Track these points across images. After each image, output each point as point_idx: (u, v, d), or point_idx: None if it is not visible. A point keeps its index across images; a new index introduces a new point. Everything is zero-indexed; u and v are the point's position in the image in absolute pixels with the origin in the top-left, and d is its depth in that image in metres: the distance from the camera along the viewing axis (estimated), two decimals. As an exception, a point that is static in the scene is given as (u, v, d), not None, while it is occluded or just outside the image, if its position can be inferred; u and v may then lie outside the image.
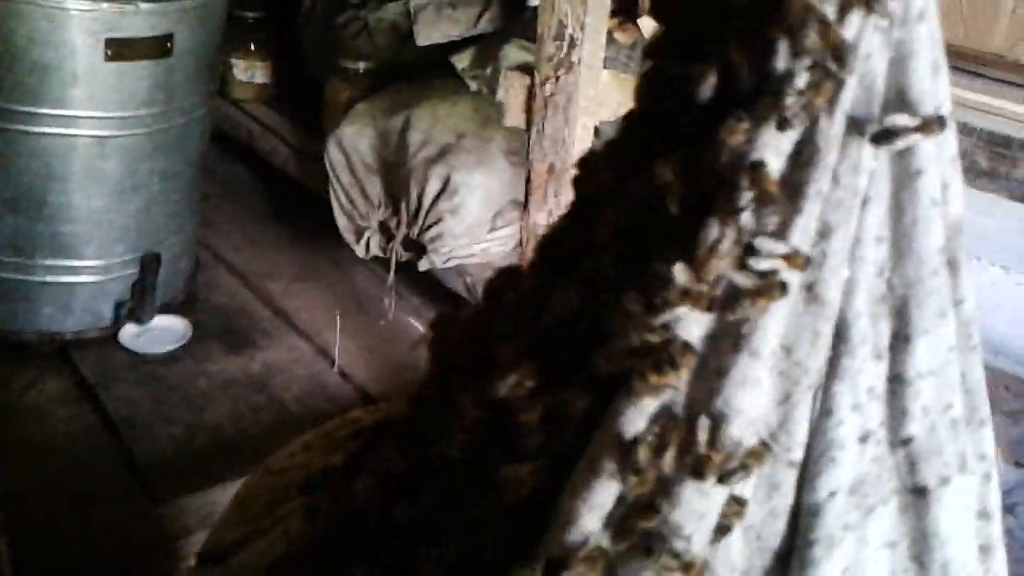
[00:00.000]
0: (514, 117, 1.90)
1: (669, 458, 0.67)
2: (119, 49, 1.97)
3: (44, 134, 1.99)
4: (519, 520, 0.71)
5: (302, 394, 2.18)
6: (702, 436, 0.67)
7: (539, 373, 0.72)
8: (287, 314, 2.47)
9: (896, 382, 0.72)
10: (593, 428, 0.70)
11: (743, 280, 0.66)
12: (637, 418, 0.68)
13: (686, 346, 0.67)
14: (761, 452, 0.69)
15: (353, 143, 2.37)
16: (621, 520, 0.68)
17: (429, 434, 0.78)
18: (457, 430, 0.75)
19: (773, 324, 0.68)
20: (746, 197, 0.66)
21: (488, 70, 2.21)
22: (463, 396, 0.75)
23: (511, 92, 1.87)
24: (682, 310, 0.67)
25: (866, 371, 0.70)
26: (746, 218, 0.66)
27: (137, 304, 2.24)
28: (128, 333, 2.25)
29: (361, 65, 2.61)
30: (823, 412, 0.70)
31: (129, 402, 2.07)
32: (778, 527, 0.71)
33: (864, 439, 0.71)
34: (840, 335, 0.70)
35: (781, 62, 0.66)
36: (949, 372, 0.73)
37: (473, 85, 2.30)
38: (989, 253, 2.20)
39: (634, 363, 0.67)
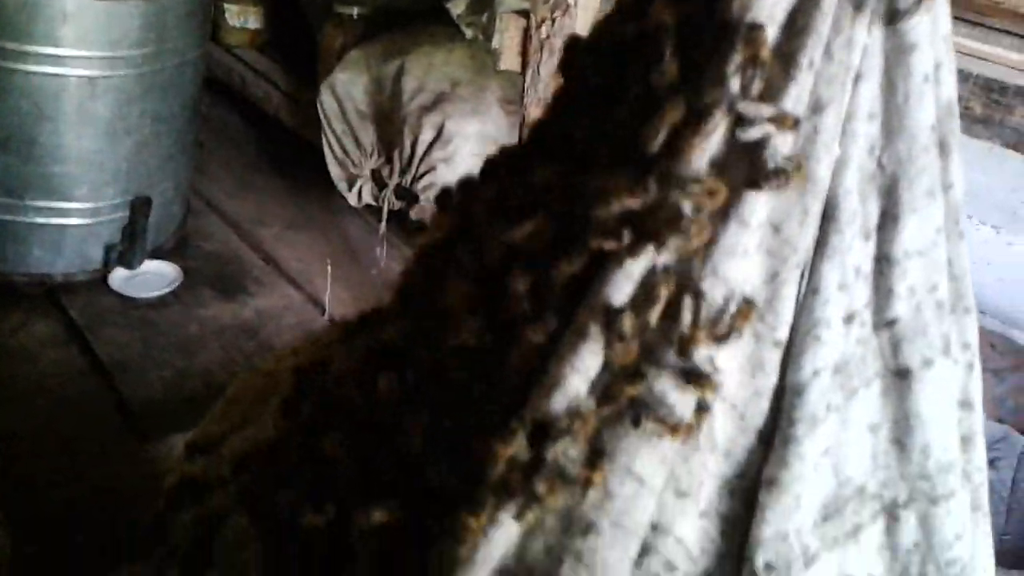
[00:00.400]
0: (509, 61, 1.89)
1: (654, 325, 0.67)
2: (109, -13, 1.93)
3: (34, 73, 1.97)
4: (504, 388, 0.71)
5: (293, 341, 2.17)
6: (687, 304, 0.67)
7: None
8: (278, 262, 2.46)
9: (883, 262, 0.72)
10: (581, 296, 0.69)
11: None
12: (624, 284, 0.68)
13: (676, 212, 0.67)
14: (747, 311, 0.68)
15: (346, 89, 2.35)
16: (606, 386, 0.68)
17: (416, 313, 0.78)
18: (445, 306, 0.75)
19: (763, 196, 0.68)
20: (737, 60, 0.65)
21: (484, 16, 2.19)
22: (455, 272, 0.75)
23: (506, 35, 1.85)
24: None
25: (854, 250, 0.70)
26: (735, 84, 0.66)
27: (127, 248, 2.23)
28: (118, 277, 2.24)
29: (355, 11, 2.58)
30: (810, 291, 0.70)
31: (119, 346, 2.07)
32: (762, 407, 0.71)
33: (849, 319, 0.71)
34: (829, 213, 0.70)
35: None
36: (936, 253, 0.73)
37: (468, 32, 2.27)
38: (980, 212, 2.21)
39: (623, 229, 0.67)
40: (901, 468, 0.75)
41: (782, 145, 0.66)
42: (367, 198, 2.38)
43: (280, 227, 2.63)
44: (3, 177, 2.05)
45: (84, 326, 2.11)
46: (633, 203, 0.66)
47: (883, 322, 0.73)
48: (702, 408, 0.69)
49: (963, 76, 1.41)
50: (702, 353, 0.68)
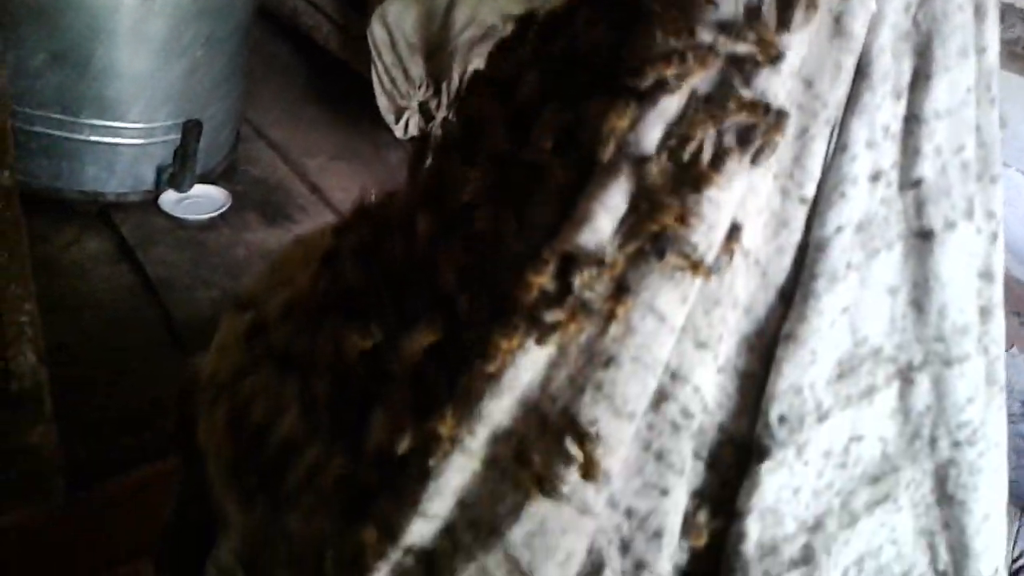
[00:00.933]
0: (564, -4, 1.86)
1: (689, 154, 0.68)
2: (167, -95, 1.94)
3: (91, -11, 1.99)
4: (534, 225, 0.72)
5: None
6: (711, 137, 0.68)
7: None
8: (323, 191, 2.48)
9: (912, 121, 0.72)
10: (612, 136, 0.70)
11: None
12: (657, 121, 0.68)
13: (710, 48, 0.67)
14: (781, 121, 0.68)
15: (397, 20, 2.34)
16: (633, 224, 0.69)
17: (448, 161, 0.79)
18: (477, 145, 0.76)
19: (796, 46, 0.68)
20: None
21: (540, -51, 2.16)
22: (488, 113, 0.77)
23: (562, -32, 1.82)
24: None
25: (884, 108, 0.71)
26: None
27: (178, 170, 2.26)
28: (169, 198, 2.28)
29: (410, -59, 2.55)
30: (839, 147, 0.71)
31: (168, 265, 2.11)
32: (784, 263, 0.72)
33: (875, 177, 0.72)
34: (862, 70, 0.70)
35: None
36: (965, 113, 0.73)
37: (523, -34, 2.25)
38: (1011, 157, 2.17)
39: (658, 69, 0.67)
40: (917, 330, 0.76)
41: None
42: (414, 130, 2.39)
43: (326, 157, 2.65)
44: (59, 94, 2.08)
45: (135, 245, 2.16)
46: (673, 42, 0.67)
47: (909, 182, 0.73)
48: (732, 238, 0.70)
49: (1022, 16, 1.38)
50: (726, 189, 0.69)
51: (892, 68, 0.71)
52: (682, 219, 0.68)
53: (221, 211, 2.30)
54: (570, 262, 0.68)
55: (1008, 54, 1.36)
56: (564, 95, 0.73)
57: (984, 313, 0.79)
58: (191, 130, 2.24)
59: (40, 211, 2.16)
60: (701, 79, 0.68)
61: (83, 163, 2.19)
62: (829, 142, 0.71)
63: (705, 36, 0.67)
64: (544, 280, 0.68)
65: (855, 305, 0.73)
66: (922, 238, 0.74)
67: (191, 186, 2.29)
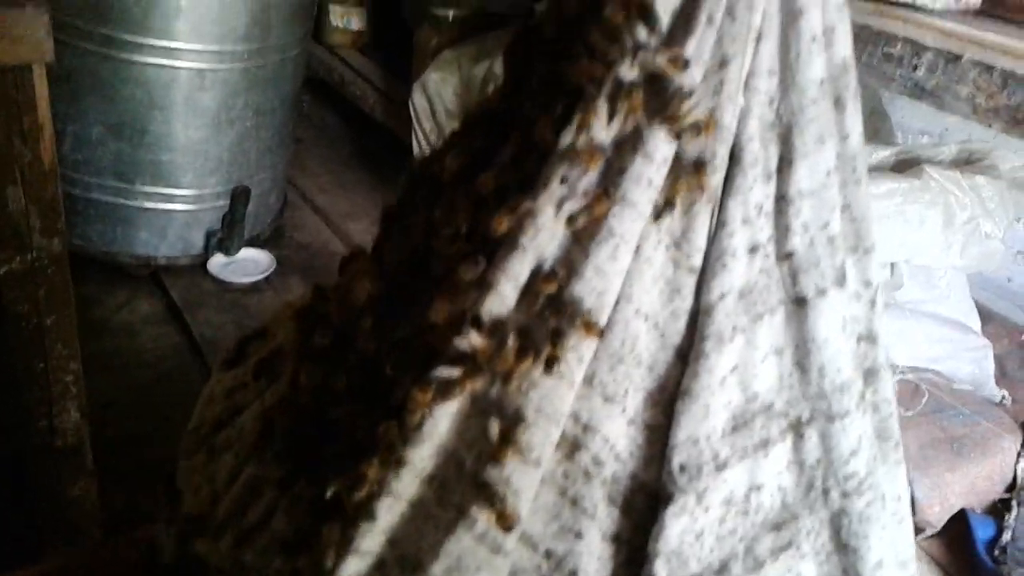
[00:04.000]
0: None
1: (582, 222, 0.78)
2: (220, -15, 2.05)
3: (148, 64, 2.10)
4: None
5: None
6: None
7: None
8: (367, 254, 2.55)
9: (781, 201, 0.81)
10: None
11: (631, 75, 0.76)
12: (547, 203, 0.77)
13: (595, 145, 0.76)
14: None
15: (437, 89, 2.42)
16: (533, 290, 0.77)
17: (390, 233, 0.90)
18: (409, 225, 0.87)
19: (665, 135, 0.76)
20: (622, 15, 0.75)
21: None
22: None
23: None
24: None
25: (756, 189, 0.80)
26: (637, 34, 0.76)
27: (227, 235, 2.35)
28: (216, 262, 2.36)
29: (451, 13, 2.65)
30: (719, 224, 0.80)
31: (212, 326, 2.18)
32: (679, 326, 0.81)
33: (753, 250, 0.80)
34: (734, 157, 0.80)
35: None
36: (827, 194, 0.81)
37: (559, 36, 2.31)
38: None
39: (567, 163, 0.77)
40: (803, 388, 0.84)
41: (687, 87, 0.75)
42: (454, 195, 2.45)
43: (369, 221, 2.72)
44: (115, 163, 2.19)
45: (183, 307, 2.24)
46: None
47: (783, 254, 0.82)
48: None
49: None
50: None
51: (761, 154, 0.80)
52: (575, 286, 0.76)
53: (266, 275, 2.38)
54: (478, 325, 0.77)
55: (1010, 119, 1.38)
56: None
57: (870, 374, 0.88)
58: (239, 196, 2.33)
59: (94, 274, 2.26)
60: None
61: (136, 228, 2.29)
62: (711, 219, 0.80)
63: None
64: (456, 341, 0.76)
65: (744, 364, 0.82)
66: (798, 304, 0.83)
67: (238, 250, 2.38)
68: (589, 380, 0.79)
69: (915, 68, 1.49)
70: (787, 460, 0.85)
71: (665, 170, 0.77)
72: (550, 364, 0.76)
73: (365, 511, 0.77)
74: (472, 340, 0.76)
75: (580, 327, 0.76)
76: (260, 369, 0.98)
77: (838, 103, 0.81)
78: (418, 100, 2.46)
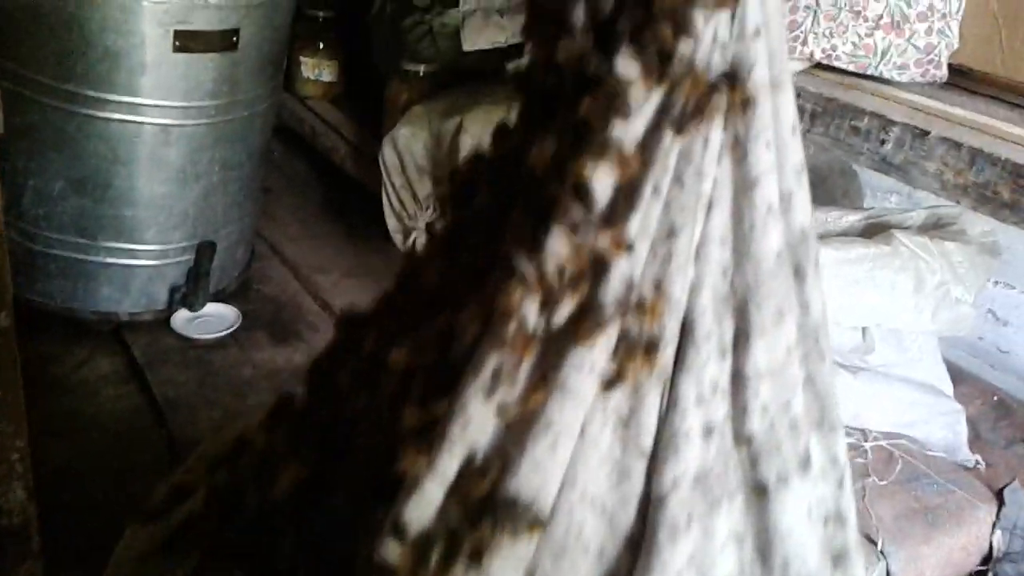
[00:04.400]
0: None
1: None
2: (187, 41, 2.03)
3: (112, 120, 2.06)
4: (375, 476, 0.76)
5: (343, 388, 2.21)
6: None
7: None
8: (334, 309, 2.51)
9: (737, 379, 0.75)
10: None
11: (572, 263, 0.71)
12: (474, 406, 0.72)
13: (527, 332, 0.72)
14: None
15: (407, 144, 2.41)
16: (465, 492, 0.71)
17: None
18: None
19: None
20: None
21: (545, 79, 2.22)
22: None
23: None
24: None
25: (710, 366, 0.74)
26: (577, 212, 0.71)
27: (191, 290, 2.30)
28: (180, 318, 2.31)
29: (422, 68, 2.65)
30: (670, 404, 0.74)
31: (175, 384, 2.13)
32: (629, 513, 0.74)
33: (708, 433, 0.74)
34: (686, 330, 0.74)
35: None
36: (788, 373, 0.76)
37: (530, 93, 2.31)
38: (1018, 280, 2.18)
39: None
40: None
41: (624, 270, 0.70)
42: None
43: (338, 274, 2.69)
44: (78, 218, 2.15)
45: (144, 364, 2.18)
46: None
47: (742, 437, 0.76)
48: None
49: (992, 160, 1.41)
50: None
51: (715, 328, 0.74)
52: (510, 484, 0.70)
53: (231, 330, 2.33)
54: (399, 534, 0.70)
55: (978, 196, 1.38)
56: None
57: (839, 558, 0.81)
58: (204, 251, 2.29)
59: (54, 331, 2.21)
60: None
61: (98, 283, 2.24)
62: (662, 398, 0.74)
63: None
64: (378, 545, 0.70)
65: (702, 555, 0.74)
66: (758, 492, 0.76)
67: (203, 305, 2.33)
68: (530, 574, 0.73)
69: (883, 143, 1.49)
70: None
71: (608, 352, 0.72)
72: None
73: None
74: (390, 552, 0.70)
75: (519, 530, 0.70)
76: (174, 538, 0.92)
77: (797, 273, 0.76)
78: (388, 155, 2.44)
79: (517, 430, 0.71)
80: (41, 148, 2.05)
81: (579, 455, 0.72)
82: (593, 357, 0.71)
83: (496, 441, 0.71)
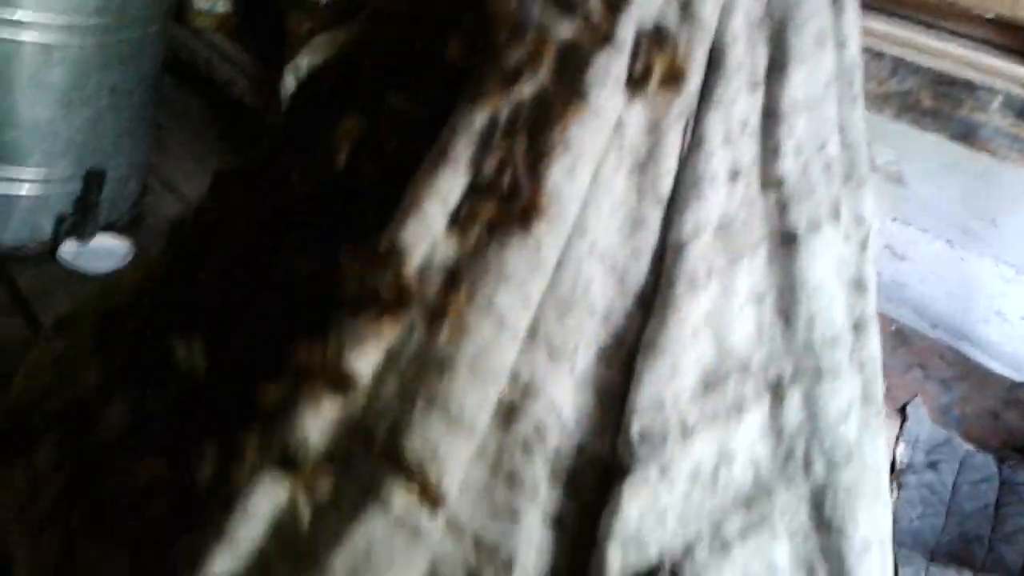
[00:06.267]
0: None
1: (522, 142, 0.64)
2: (70, -48, 1.91)
3: (-11, 36, 1.93)
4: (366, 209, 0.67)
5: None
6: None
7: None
8: (234, 243, 2.43)
9: (770, 116, 0.69)
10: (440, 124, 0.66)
11: None
12: (506, 105, 0.64)
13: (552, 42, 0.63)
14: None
15: (310, 73, 2.33)
16: (469, 212, 0.64)
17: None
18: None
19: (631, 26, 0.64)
20: None
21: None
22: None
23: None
24: None
25: (740, 102, 0.67)
26: None
27: (79, 220, 2.19)
28: (68, 249, 2.20)
29: (323, -3, 2.57)
30: (694, 143, 0.67)
31: (64, 317, 2.03)
32: (642, 267, 0.68)
33: (734, 176, 0.68)
34: (715, 61, 0.66)
35: None
36: (825, 108, 0.69)
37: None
38: (934, 226, 2.25)
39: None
40: (786, 342, 0.71)
41: None
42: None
43: (238, 210, 2.60)
44: (-47, 140, 2.01)
45: (30, 296, 2.07)
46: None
47: (770, 181, 0.69)
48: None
49: (913, 69, 1.44)
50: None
51: (746, 58, 0.67)
52: (524, 211, 0.63)
53: (123, 263, 2.23)
54: (396, 255, 0.63)
55: (900, 105, 1.41)
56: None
57: (858, 328, 0.76)
58: (93, 180, 2.18)
59: (-71, 260, 2.07)
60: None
61: (-24, 212, 2.11)
62: (684, 137, 0.67)
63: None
64: (367, 276, 0.63)
65: (719, 313, 0.69)
66: (786, 241, 0.70)
67: (92, 236, 2.22)
68: (532, 332, 0.65)
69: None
70: (762, 426, 0.72)
71: (626, 68, 0.63)
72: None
73: (240, 493, 0.63)
74: (388, 275, 0.62)
75: (530, 263, 0.62)
76: (101, 336, 0.82)
77: (836, 2, 0.69)
78: (290, 84, 2.36)
79: (536, 149, 0.63)
80: (-91, 63, 1.91)
81: (591, 200, 0.64)
82: (619, 68, 0.63)
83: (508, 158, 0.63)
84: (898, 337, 2.13)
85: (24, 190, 2.12)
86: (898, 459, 1.65)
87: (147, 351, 0.76)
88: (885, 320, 2.14)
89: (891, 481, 1.64)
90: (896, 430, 1.67)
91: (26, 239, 2.17)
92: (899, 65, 1.42)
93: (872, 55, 1.48)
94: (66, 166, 2.15)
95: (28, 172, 2.10)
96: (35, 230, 2.18)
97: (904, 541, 1.52)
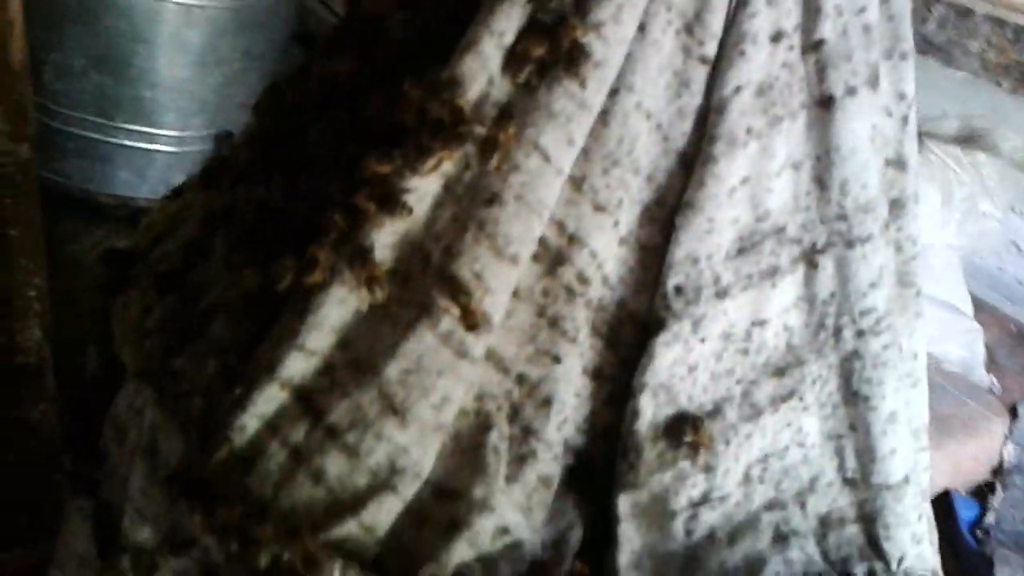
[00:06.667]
0: None
1: None
2: (214, -81, 1.98)
3: (133, -5, 2.03)
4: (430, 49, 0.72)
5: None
6: None
7: None
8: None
9: None
10: None
11: None
12: None
13: None
14: None
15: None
16: (521, 52, 0.67)
17: None
18: None
19: None
20: None
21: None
22: None
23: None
24: None
25: None
26: None
27: (208, 179, 2.28)
28: (197, 206, 2.30)
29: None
30: (739, 4, 0.69)
31: (190, 270, 2.12)
32: (685, 127, 0.71)
33: (777, 38, 0.70)
34: None
35: None
36: None
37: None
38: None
39: None
40: (822, 210, 0.74)
41: None
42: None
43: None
44: (96, 97, 2.12)
45: (162, 249, 2.17)
46: None
47: (810, 44, 0.71)
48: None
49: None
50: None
51: None
52: (571, 52, 0.66)
53: (247, 221, 2.31)
54: (454, 86, 0.67)
55: (1020, 76, 1.33)
56: None
57: (896, 205, 0.77)
58: (223, 141, 2.26)
59: (71, 211, 2.19)
60: None
61: (116, 167, 2.22)
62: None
63: None
64: (427, 104, 0.67)
65: (757, 176, 0.71)
66: (823, 106, 0.72)
67: (220, 196, 2.31)
68: (578, 184, 0.69)
69: (924, 21, 1.44)
70: (796, 295, 0.74)
71: None
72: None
73: (313, 302, 0.69)
74: (447, 104, 0.66)
75: (573, 106, 0.65)
76: (207, 177, 0.90)
77: None
78: None
79: None
80: (60, 20, 2.02)
81: (638, 57, 0.68)
82: None
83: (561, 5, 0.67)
84: (1018, 338, 2.04)
85: (160, 147, 2.22)
86: (1005, 459, 1.59)
87: (241, 195, 0.82)
88: (1005, 320, 2.05)
89: (996, 481, 1.57)
90: (1006, 429, 1.60)
91: (160, 196, 2.27)
92: (1022, 33, 1.35)
93: (995, 23, 1.40)
94: (199, 126, 2.24)
95: (164, 130, 2.20)
96: (169, 187, 2.27)
97: (1006, 542, 1.47)
